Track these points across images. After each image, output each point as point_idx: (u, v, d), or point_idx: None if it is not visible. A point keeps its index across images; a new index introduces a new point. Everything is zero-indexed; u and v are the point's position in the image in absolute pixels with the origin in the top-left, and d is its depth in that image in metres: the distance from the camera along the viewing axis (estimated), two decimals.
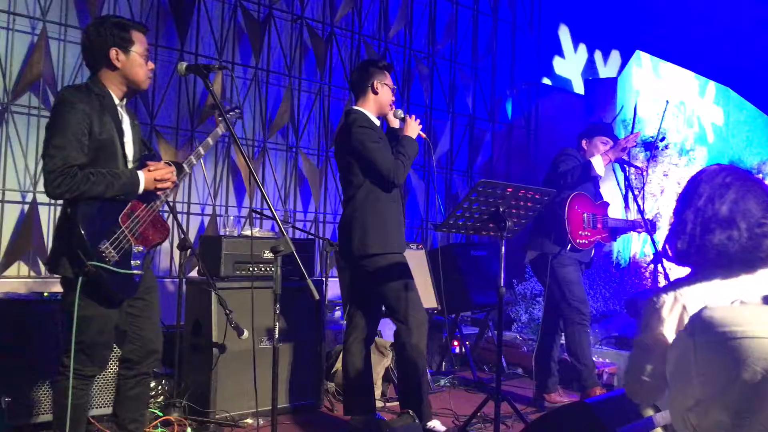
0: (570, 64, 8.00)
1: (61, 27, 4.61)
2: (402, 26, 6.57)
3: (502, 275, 2.88)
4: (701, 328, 1.12)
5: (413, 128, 3.30)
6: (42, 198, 4.50)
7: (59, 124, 2.40)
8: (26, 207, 4.47)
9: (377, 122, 3.40)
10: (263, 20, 5.64)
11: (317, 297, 2.54)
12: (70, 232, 2.37)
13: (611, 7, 7.68)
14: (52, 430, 2.52)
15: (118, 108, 2.56)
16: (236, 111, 3.02)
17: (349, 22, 6.25)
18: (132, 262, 2.49)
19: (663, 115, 4.98)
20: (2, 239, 4.36)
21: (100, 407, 3.29)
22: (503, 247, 2.85)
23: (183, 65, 2.57)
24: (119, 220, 2.46)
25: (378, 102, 3.38)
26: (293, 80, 5.82)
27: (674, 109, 7.13)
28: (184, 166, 2.71)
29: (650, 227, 4.13)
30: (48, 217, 4.55)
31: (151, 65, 2.60)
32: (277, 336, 2.64)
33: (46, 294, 3.31)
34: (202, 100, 5.31)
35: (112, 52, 2.49)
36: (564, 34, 7.93)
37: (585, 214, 4.19)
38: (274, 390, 2.59)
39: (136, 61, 2.53)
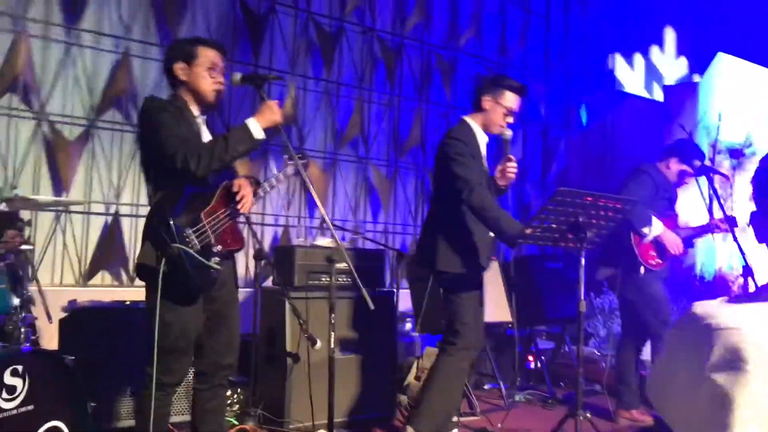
0: (630, 84, 7.72)
1: (143, 45, 4.79)
2: (471, 35, 6.51)
3: (582, 288, 2.77)
4: (687, 321, 1.22)
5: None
6: (124, 210, 4.67)
7: (159, 121, 2.48)
8: (110, 219, 4.64)
9: (482, 137, 3.25)
10: (334, 33, 5.70)
11: (372, 307, 2.52)
12: (158, 219, 2.44)
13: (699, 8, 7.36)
14: None
15: (197, 120, 2.62)
16: (305, 161, 3.02)
17: (418, 33, 6.25)
18: (212, 258, 2.51)
19: (755, 119, 4.70)
20: (88, 249, 4.54)
21: (179, 414, 3.35)
22: (583, 259, 2.74)
23: (238, 75, 2.61)
24: (202, 214, 2.50)
25: (484, 118, 3.22)
26: (363, 92, 5.85)
27: (762, 114, 6.76)
28: (259, 189, 2.74)
29: (730, 223, 3.81)
30: (130, 228, 4.71)
31: (219, 78, 2.63)
32: (332, 345, 2.62)
33: (127, 302, 3.41)
34: None
35: (176, 66, 2.59)
36: (618, 62, 7.65)
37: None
38: (331, 398, 2.55)
39: (199, 74, 2.59)
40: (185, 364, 2.60)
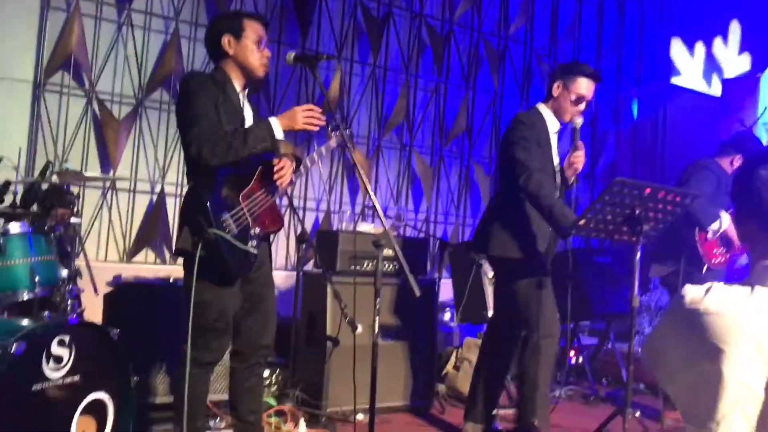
0: (689, 76, 7.44)
1: (191, 26, 4.81)
2: (522, 23, 6.37)
3: (636, 284, 2.67)
4: (675, 306, 1.26)
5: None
6: (169, 189, 4.71)
7: (190, 101, 2.45)
8: (155, 197, 4.69)
9: (554, 124, 3.14)
10: (382, 18, 5.63)
11: (418, 293, 2.47)
12: (196, 204, 2.42)
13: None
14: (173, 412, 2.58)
15: (240, 96, 2.59)
16: (348, 131, 2.97)
17: (468, 19, 6.14)
18: (249, 241, 2.50)
19: None
20: (133, 226, 4.59)
21: (219, 392, 3.35)
22: (639, 253, 2.64)
23: (291, 55, 2.58)
24: (240, 197, 2.48)
25: (555, 105, 3.11)
26: (410, 78, 5.77)
27: None
28: (301, 166, 2.70)
29: None
30: (174, 207, 4.74)
31: (266, 53, 2.60)
32: (376, 331, 2.58)
33: (172, 279, 3.43)
34: (320, 99, 5.37)
35: (224, 39, 2.54)
36: (677, 46, 7.38)
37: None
38: (373, 385, 2.52)
39: (247, 47, 2.55)
40: (224, 344, 2.59)
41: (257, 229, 2.52)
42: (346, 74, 5.48)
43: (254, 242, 2.50)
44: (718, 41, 7.48)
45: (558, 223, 2.79)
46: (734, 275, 5.42)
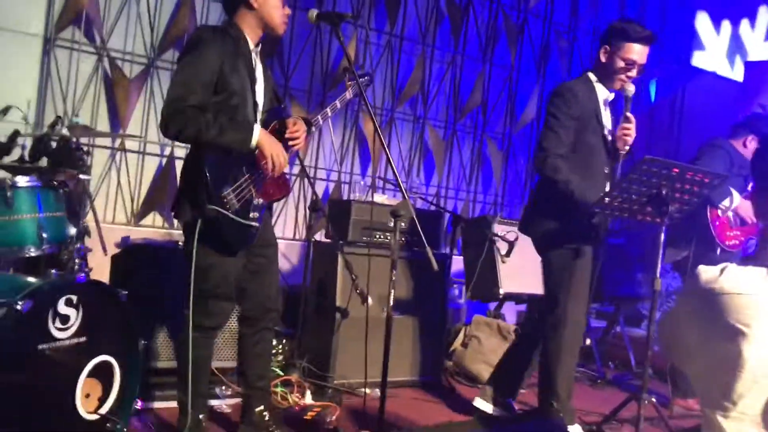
0: (713, 52, 7.27)
1: None
2: None
3: (660, 265, 2.59)
4: (691, 287, 1.27)
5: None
6: (179, 152, 4.62)
7: (189, 60, 2.35)
8: (164, 160, 4.60)
9: (603, 92, 2.93)
10: None
11: (436, 267, 2.40)
12: (196, 176, 2.33)
13: None
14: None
15: (253, 53, 2.50)
16: (366, 77, 2.88)
17: None
18: (251, 213, 2.44)
19: None
20: (141, 189, 4.52)
21: (225, 360, 3.30)
22: (663, 235, 2.55)
23: (314, 12, 2.48)
24: (244, 167, 2.41)
25: (603, 71, 2.90)
26: (426, 48, 5.64)
27: None
28: (312, 122, 2.62)
29: None
30: None
31: (287, 10, 2.52)
32: (391, 304, 2.53)
33: (180, 243, 3.36)
34: (335, 64, 5.26)
35: None
36: (703, 20, 7.20)
37: (730, 213, 3.77)
38: (386, 359, 2.48)
39: (272, 2, 2.45)
40: (225, 309, 2.55)
41: (260, 200, 2.45)
42: (361, 42, 5.35)
43: (256, 213, 2.44)
44: (744, 23, 7.31)
45: (580, 203, 2.69)
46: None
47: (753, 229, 3.88)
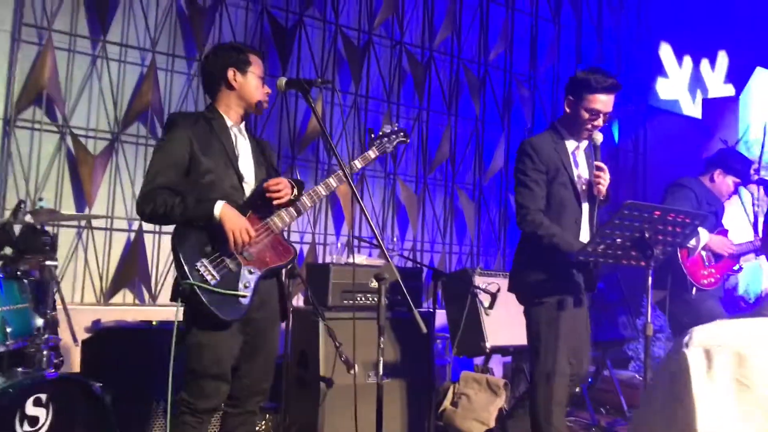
0: (675, 81, 7.50)
1: (168, 57, 4.67)
2: (502, 49, 6.36)
3: (650, 308, 2.56)
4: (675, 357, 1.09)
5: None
6: (148, 227, 4.52)
7: (161, 145, 2.47)
8: (132, 235, 4.49)
9: (572, 142, 2.91)
10: (363, 46, 5.56)
11: (425, 330, 2.33)
12: (172, 248, 2.38)
13: (711, 12, 7.15)
14: None
15: (231, 130, 2.50)
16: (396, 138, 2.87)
17: (447, 47, 6.10)
18: (240, 283, 2.35)
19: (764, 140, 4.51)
20: (110, 267, 4.38)
21: None
22: (650, 278, 2.53)
23: (282, 80, 2.50)
24: (219, 238, 2.36)
25: (569, 122, 2.87)
26: (392, 106, 5.69)
27: None
28: (303, 198, 2.57)
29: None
30: (153, 245, 4.55)
31: (267, 89, 2.58)
32: (381, 372, 2.44)
33: (154, 323, 3.24)
34: (302, 127, 5.26)
35: (230, 72, 2.49)
36: (666, 51, 7.45)
37: (703, 252, 3.78)
38: (379, 429, 2.38)
39: (252, 82, 2.52)
40: (221, 390, 2.43)
41: (252, 269, 2.38)
42: (327, 103, 5.38)
43: (249, 284, 2.35)
44: (705, 63, 7.57)
45: (564, 252, 2.67)
46: (730, 301, 5.37)
47: (730, 263, 3.89)
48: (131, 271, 4.43)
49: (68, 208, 4.19)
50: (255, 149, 2.57)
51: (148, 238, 4.52)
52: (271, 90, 2.62)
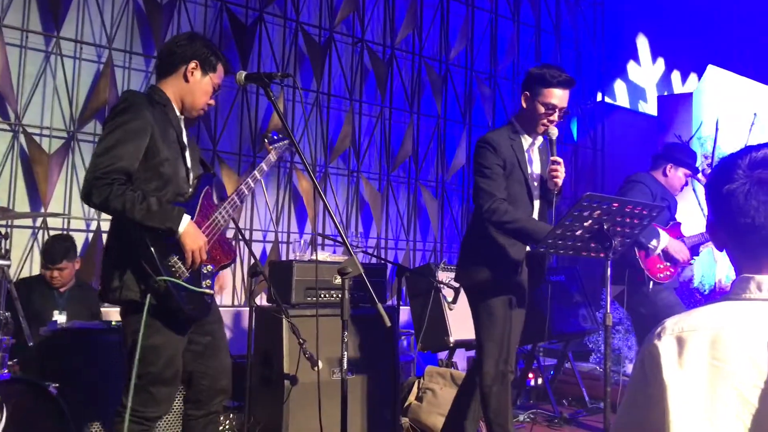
0: (645, 74, 7.66)
1: (126, 54, 4.59)
2: (463, 47, 6.41)
3: (609, 300, 2.61)
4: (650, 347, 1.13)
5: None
6: (106, 226, 4.42)
7: (117, 125, 2.20)
8: (90, 235, 4.40)
9: (527, 139, 2.93)
10: (324, 44, 5.55)
11: (389, 324, 2.33)
12: (135, 244, 2.17)
13: (687, 21, 7.34)
14: None
15: (180, 120, 2.43)
16: (284, 142, 2.85)
17: (409, 44, 6.12)
18: (203, 282, 2.32)
19: (751, 129, 4.62)
20: None
21: None
22: (609, 270, 2.57)
23: (242, 74, 2.38)
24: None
25: (525, 117, 2.90)
26: (354, 103, 5.69)
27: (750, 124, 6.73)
28: (243, 187, 2.55)
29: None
30: None
31: (212, 102, 2.48)
32: (345, 367, 2.43)
33: (114, 323, 3.17)
34: (263, 124, 5.22)
35: (192, 64, 2.38)
36: (642, 43, 7.60)
37: (659, 252, 3.86)
38: (344, 425, 2.37)
39: (206, 86, 2.41)
40: (172, 395, 2.36)
41: (210, 267, 2.34)
42: (288, 101, 5.34)
43: (209, 281, 2.32)
44: (646, 59, 7.74)
45: (532, 238, 2.69)
46: (680, 287, 5.50)
47: (684, 263, 3.97)
48: (89, 272, 4.33)
49: (22, 208, 4.09)
50: (192, 142, 2.50)
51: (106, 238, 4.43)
52: (214, 103, 2.52)
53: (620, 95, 7.57)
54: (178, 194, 2.32)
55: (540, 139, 2.99)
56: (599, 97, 7.38)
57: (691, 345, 1.06)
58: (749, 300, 1.11)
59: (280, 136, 2.84)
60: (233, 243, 4.82)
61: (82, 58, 4.44)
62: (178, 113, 2.41)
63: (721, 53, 6.86)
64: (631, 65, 7.66)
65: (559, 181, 2.83)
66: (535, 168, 2.97)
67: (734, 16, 6.96)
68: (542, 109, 2.83)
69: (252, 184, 2.59)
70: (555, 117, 2.85)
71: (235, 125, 5.06)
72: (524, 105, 2.89)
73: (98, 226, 4.39)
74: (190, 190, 2.39)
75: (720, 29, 7.06)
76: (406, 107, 6.05)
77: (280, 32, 5.36)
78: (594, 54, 7.47)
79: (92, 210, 4.41)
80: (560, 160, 2.84)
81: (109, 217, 4.45)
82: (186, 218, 2.21)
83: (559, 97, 2.83)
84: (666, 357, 1.07)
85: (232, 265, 4.83)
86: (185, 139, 2.43)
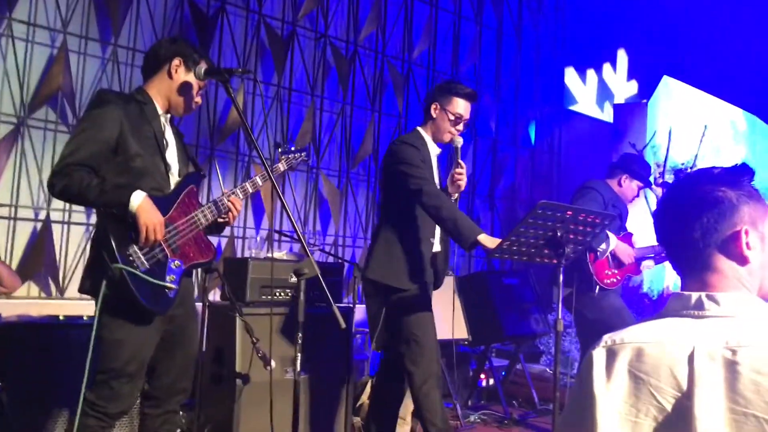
0: (583, 99, 7.81)
1: (81, 40, 4.46)
2: (426, 47, 6.43)
3: (560, 304, 2.66)
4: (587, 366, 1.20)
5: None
6: (56, 216, 4.31)
7: (86, 119, 2.29)
8: (39, 225, 4.27)
9: (434, 148, 3.11)
10: (286, 38, 5.50)
11: (344, 326, 2.36)
12: (99, 233, 2.26)
13: (648, 30, 7.49)
14: None
15: (161, 118, 2.42)
16: (299, 155, 2.93)
17: (372, 42, 6.12)
18: (168, 276, 2.29)
19: (701, 140, 4.77)
20: (14, 258, 4.15)
21: None
22: (561, 276, 2.63)
23: (201, 68, 2.42)
24: None
25: (433, 127, 3.07)
26: (315, 99, 5.66)
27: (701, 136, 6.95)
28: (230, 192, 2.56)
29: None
30: (61, 235, 4.35)
31: (199, 100, 2.49)
32: (298, 368, 2.43)
33: (62, 317, 3.09)
34: (222, 117, 5.14)
35: (176, 61, 2.41)
36: (602, 49, 7.73)
37: (609, 255, 3.97)
38: (295, 425, 2.37)
39: (191, 84, 2.42)
40: (135, 391, 2.33)
41: (177, 262, 2.30)
42: (248, 94, 5.28)
43: (174, 276, 2.29)
44: (607, 67, 7.90)
45: (462, 235, 2.73)
46: (630, 293, 5.65)
47: (631, 267, 4.08)
48: (37, 263, 4.21)
49: None
50: (179, 141, 2.50)
51: (56, 228, 4.31)
52: (201, 101, 2.53)
53: (578, 101, 7.71)
54: (155, 189, 2.32)
55: (439, 150, 3.13)
56: (558, 102, 7.51)
57: (619, 357, 1.14)
58: (684, 317, 1.16)
59: (297, 148, 2.89)
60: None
61: (35, 42, 4.29)
62: (160, 111, 2.41)
63: (676, 64, 7.05)
64: (590, 72, 7.80)
65: (463, 185, 3.00)
66: (436, 176, 3.11)
67: (691, 28, 7.16)
68: (452, 118, 3.01)
69: (251, 190, 2.62)
70: (461, 126, 3.05)
71: (193, 118, 4.98)
72: (434, 115, 3.05)
73: (47, 215, 4.26)
74: (171, 187, 2.38)
75: (677, 40, 7.25)
76: (367, 105, 6.04)
77: (242, 24, 5.29)
78: (554, 58, 7.58)
79: (41, 199, 4.28)
80: (464, 165, 3.00)
81: (61, 206, 4.36)
82: (140, 194, 2.22)
83: (465, 107, 3.04)
84: (597, 367, 1.15)
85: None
86: (168, 137, 2.43)
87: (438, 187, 3.03)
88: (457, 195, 3.06)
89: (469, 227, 2.74)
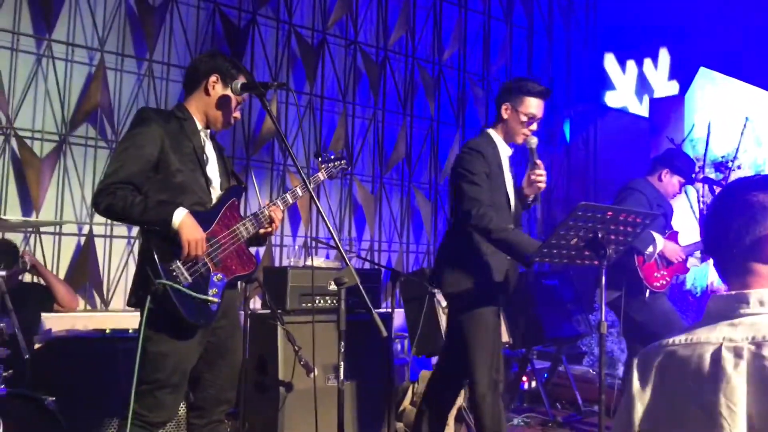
0: (622, 89, 7.68)
1: (118, 57, 4.56)
2: (456, 48, 6.41)
3: (603, 306, 2.62)
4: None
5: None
6: (98, 230, 4.41)
7: (128, 138, 2.34)
8: (83, 239, 4.37)
9: (505, 149, 2.99)
10: (317, 46, 5.53)
11: (385, 334, 2.35)
12: (143, 248, 2.30)
13: (682, 22, 7.33)
14: None
15: (201, 133, 2.45)
16: (339, 163, 2.88)
17: (402, 46, 6.12)
18: (210, 290, 2.32)
19: (742, 132, 4.65)
20: (60, 272, 4.25)
21: None
22: (603, 278, 2.59)
23: (238, 83, 2.44)
24: None
25: (505, 128, 2.95)
26: (347, 105, 5.68)
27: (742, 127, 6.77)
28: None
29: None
30: (104, 249, 4.45)
31: (237, 114, 2.51)
32: (341, 377, 2.43)
33: (108, 330, 3.15)
34: (257, 127, 5.20)
35: (213, 77, 2.43)
36: (610, 61, 7.61)
37: (657, 257, 3.89)
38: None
39: (229, 98, 2.44)
40: (178, 401, 2.38)
41: (220, 275, 2.34)
42: (281, 103, 5.33)
43: (216, 290, 2.32)
44: (648, 63, 7.76)
45: (519, 253, 2.70)
46: (674, 291, 5.53)
47: (680, 266, 4.00)
48: (82, 276, 4.31)
49: (14, 212, 4.06)
50: (219, 155, 2.53)
51: (99, 242, 4.41)
52: (239, 116, 2.56)
53: (613, 97, 7.59)
54: (196, 203, 2.35)
55: (510, 151, 3.04)
56: (593, 99, 7.40)
57: (654, 360, 1.24)
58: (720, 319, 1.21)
59: (337, 155, 2.88)
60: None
61: (74, 61, 4.40)
62: (200, 126, 2.45)
63: (712, 55, 6.89)
64: (629, 63, 7.67)
65: (542, 185, 2.90)
66: (508, 178, 3.02)
67: (727, 18, 6.99)
68: (524, 118, 2.91)
69: (291, 201, 2.64)
70: (534, 126, 2.95)
71: (227, 131, 5.04)
72: (505, 116, 2.95)
73: (90, 230, 4.36)
74: (212, 202, 2.41)
75: (713, 31, 7.08)
76: (399, 109, 6.04)
77: (273, 34, 5.34)
78: (586, 56, 7.48)
79: (83, 214, 4.38)
80: (542, 165, 2.91)
81: (103, 220, 4.44)
82: (182, 210, 2.25)
83: (537, 106, 2.93)
84: (636, 371, 1.26)
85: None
86: (208, 152, 2.46)
87: (507, 191, 2.95)
88: (533, 196, 2.97)
89: (523, 245, 2.70)
